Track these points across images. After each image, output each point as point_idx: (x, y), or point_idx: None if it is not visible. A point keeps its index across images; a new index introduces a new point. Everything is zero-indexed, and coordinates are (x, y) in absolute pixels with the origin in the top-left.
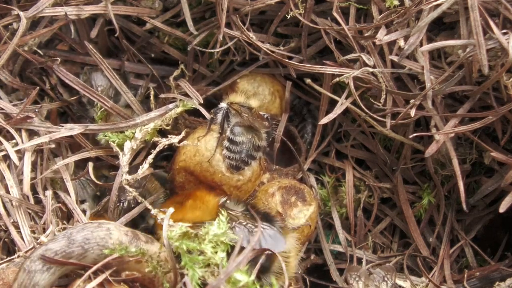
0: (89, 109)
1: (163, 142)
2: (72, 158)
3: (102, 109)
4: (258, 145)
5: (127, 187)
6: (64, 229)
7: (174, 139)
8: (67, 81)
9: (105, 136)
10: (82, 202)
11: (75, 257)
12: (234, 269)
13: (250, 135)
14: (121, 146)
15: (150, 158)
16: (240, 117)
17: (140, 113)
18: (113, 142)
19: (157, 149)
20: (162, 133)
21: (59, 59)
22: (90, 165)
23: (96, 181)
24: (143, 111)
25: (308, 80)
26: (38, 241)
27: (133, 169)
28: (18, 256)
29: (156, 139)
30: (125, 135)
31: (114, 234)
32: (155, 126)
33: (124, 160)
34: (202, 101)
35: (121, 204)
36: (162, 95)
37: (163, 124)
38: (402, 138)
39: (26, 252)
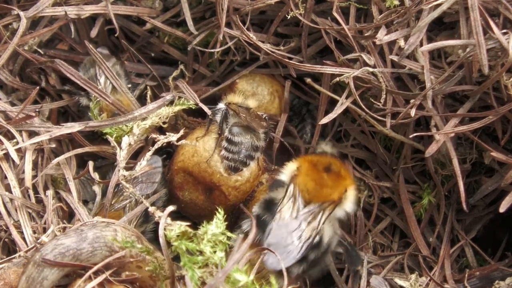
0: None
1: (162, 140)
2: (73, 152)
3: (98, 99)
4: (256, 145)
5: (123, 182)
6: (65, 228)
7: (172, 137)
8: (68, 75)
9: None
10: (84, 202)
11: (85, 254)
12: (232, 268)
13: (248, 136)
14: (118, 141)
15: (148, 155)
16: (238, 118)
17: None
18: (111, 136)
19: (156, 146)
20: (162, 133)
21: (57, 58)
22: (91, 164)
23: (97, 179)
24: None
25: (308, 80)
26: (39, 241)
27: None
28: (19, 256)
29: (154, 135)
30: (120, 128)
31: (119, 235)
32: (152, 123)
33: (121, 155)
34: (199, 102)
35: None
36: (163, 95)
37: (160, 122)
38: (402, 138)
39: (27, 252)
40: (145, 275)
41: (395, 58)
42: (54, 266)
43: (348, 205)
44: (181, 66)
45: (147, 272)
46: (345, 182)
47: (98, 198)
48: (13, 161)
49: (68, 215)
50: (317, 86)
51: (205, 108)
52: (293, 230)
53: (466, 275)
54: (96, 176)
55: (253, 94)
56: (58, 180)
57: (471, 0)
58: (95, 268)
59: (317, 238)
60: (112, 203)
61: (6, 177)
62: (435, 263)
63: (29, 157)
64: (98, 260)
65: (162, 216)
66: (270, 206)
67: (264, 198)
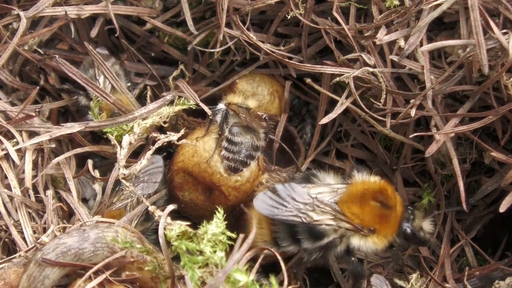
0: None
1: (162, 139)
2: (72, 152)
3: (98, 98)
4: (256, 145)
5: (123, 181)
6: (65, 228)
7: (173, 137)
8: (68, 73)
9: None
10: (83, 201)
11: (87, 254)
12: (232, 268)
13: (248, 136)
14: (119, 140)
15: (148, 154)
16: (238, 118)
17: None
18: (111, 135)
19: (156, 145)
20: (162, 133)
21: (57, 56)
22: (90, 162)
23: (96, 177)
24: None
25: (308, 80)
26: (39, 241)
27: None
28: (19, 256)
29: (155, 135)
30: (121, 127)
31: (120, 236)
32: (153, 122)
33: (121, 154)
34: (199, 102)
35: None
36: (163, 94)
37: (160, 121)
38: (402, 138)
39: (27, 252)
40: (146, 276)
41: (395, 58)
42: (54, 266)
43: (359, 243)
44: (181, 66)
45: (149, 274)
46: (382, 227)
47: (99, 197)
48: (13, 161)
49: (68, 215)
50: (317, 87)
51: (205, 108)
52: (300, 201)
53: (466, 275)
54: (96, 173)
55: (253, 94)
56: (58, 179)
57: (471, 0)
58: (95, 268)
59: (311, 224)
60: (114, 201)
61: (6, 177)
62: (435, 263)
63: (29, 157)
64: (100, 261)
65: (162, 216)
66: (309, 178)
67: (308, 172)
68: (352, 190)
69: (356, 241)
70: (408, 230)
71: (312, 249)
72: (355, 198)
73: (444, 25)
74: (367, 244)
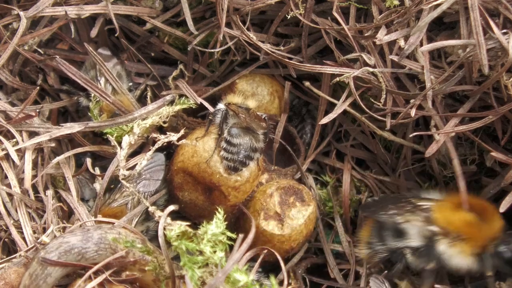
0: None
1: (162, 139)
2: (73, 152)
3: (98, 99)
4: (255, 146)
5: (124, 182)
6: (65, 228)
7: (173, 137)
8: (68, 73)
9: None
10: (82, 201)
11: (90, 253)
12: (232, 268)
13: (247, 137)
14: (119, 141)
15: (148, 155)
16: (238, 118)
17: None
18: (111, 136)
19: (156, 145)
20: (162, 133)
21: (57, 56)
22: (89, 160)
23: (95, 173)
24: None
25: (307, 83)
26: (39, 240)
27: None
28: (19, 256)
29: (155, 135)
30: (121, 128)
31: (122, 237)
32: (153, 122)
33: (121, 154)
34: (199, 102)
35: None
36: (164, 93)
37: (160, 121)
38: (401, 141)
39: (27, 252)
40: (148, 278)
41: (395, 58)
42: (55, 266)
43: (445, 249)
44: (181, 66)
45: (151, 276)
46: (471, 236)
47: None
48: (13, 161)
49: (68, 215)
50: (315, 90)
51: (207, 105)
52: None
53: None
54: (97, 170)
55: (253, 94)
56: (58, 179)
57: (471, 0)
58: (95, 268)
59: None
60: (116, 198)
61: (6, 177)
62: None
63: (29, 157)
64: (102, 261)
65: (162, 216)
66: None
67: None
68: (451, 198)
69: (442, 247)
70: (509, 253)
71: (399, 250)
72: (451, 204)
73: (444, 25)
74: (452, 251)
